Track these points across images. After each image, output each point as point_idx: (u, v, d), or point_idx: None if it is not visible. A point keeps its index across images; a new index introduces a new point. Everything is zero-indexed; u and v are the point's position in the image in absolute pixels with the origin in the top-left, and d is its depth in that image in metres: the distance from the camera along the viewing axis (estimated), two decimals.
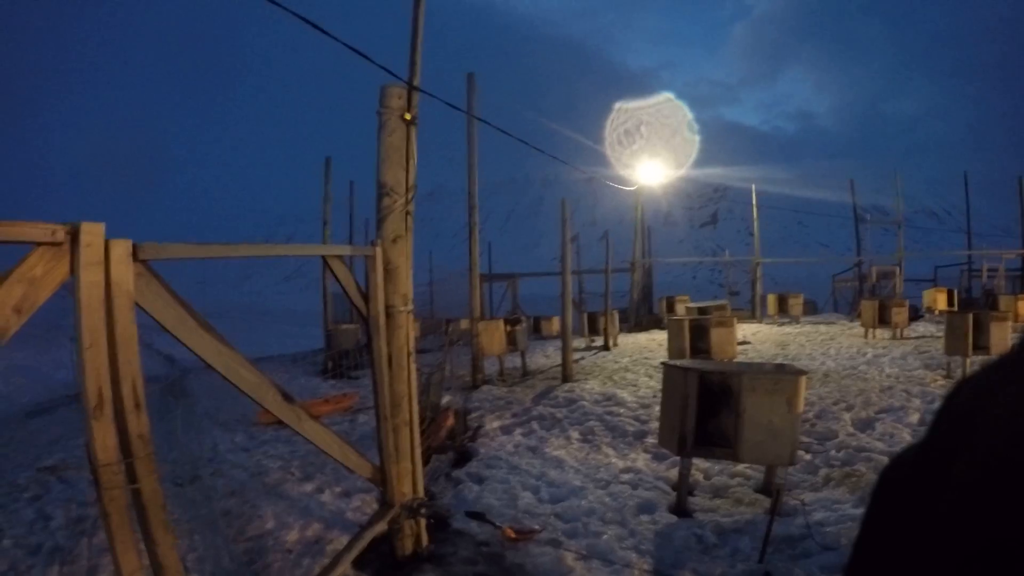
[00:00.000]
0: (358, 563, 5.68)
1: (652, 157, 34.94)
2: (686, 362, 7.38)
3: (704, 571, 5.69)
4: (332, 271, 5.22)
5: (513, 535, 6.27)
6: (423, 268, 39.39)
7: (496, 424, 10.88)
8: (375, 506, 6.77)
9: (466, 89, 15.65)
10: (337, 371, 18.48)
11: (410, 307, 5.92)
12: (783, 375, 6.48)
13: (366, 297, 5.64)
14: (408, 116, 5.76)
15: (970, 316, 14.18)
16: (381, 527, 5.74)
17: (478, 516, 6.79)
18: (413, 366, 5.98)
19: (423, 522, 5.99)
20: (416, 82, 5.86)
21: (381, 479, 5.84)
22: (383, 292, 5.69)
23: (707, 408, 6.57)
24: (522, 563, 5.75)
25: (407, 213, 5.84)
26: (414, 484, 6.05)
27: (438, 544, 6.13)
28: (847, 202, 41.74)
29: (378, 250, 5.69)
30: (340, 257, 5.28)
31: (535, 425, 10.68)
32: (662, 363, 7.54)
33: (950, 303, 27.38)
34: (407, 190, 5.79)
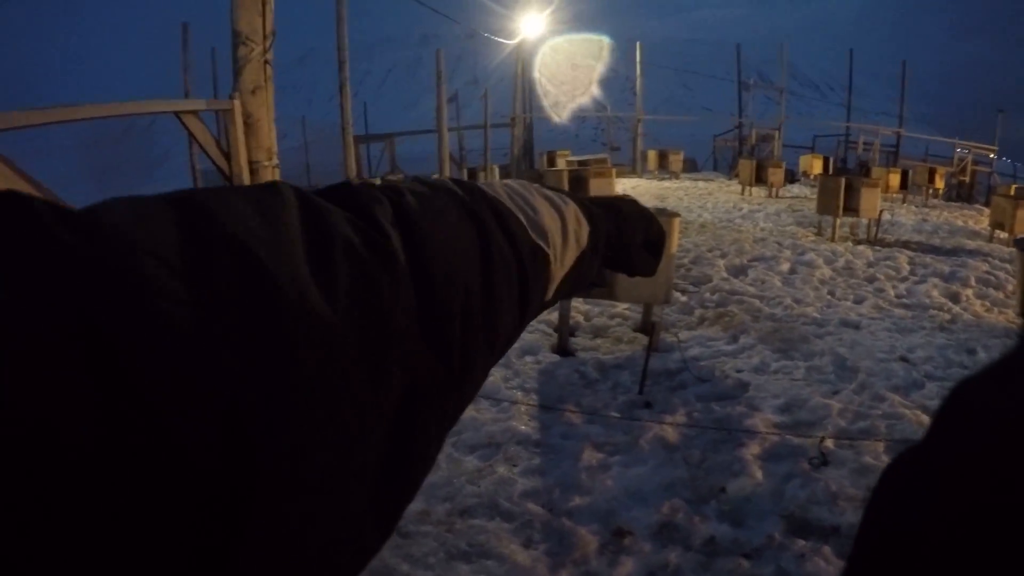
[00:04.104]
0: None
1: (536, 10, 33.87)
2: None
3: (587, 404, 6.02)
4: (188, 129, 4.95)
5: None
6: (296, 132, 37.78)
7: None
8: None
9: None
10: None
11: (275, 162, 5.68)
12: (659, 216, 6.70)
13: (227, 155, 5.38)
14: None
15: (842, 179, 15.02)
16: None
17: None
18: None
19: None
20: None
21: None
22: (245, 147, 5.41)
23: None
24: None
25: (266, 62, 5.49)
26: None
27: None
28: (733, 68, 42.87)
29: (236, 103, 5.36)
30: (195, 113, 5.01)
31: None
32: None
33: (825, 170, 28.46)
34: (265, 37, 5.44)
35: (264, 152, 5.52)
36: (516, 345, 7.18)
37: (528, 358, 7.04)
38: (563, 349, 7.22)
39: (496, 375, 6.58)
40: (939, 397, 6.32)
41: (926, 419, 6.00)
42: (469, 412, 5.83)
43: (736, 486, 4.84)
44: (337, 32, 14.82)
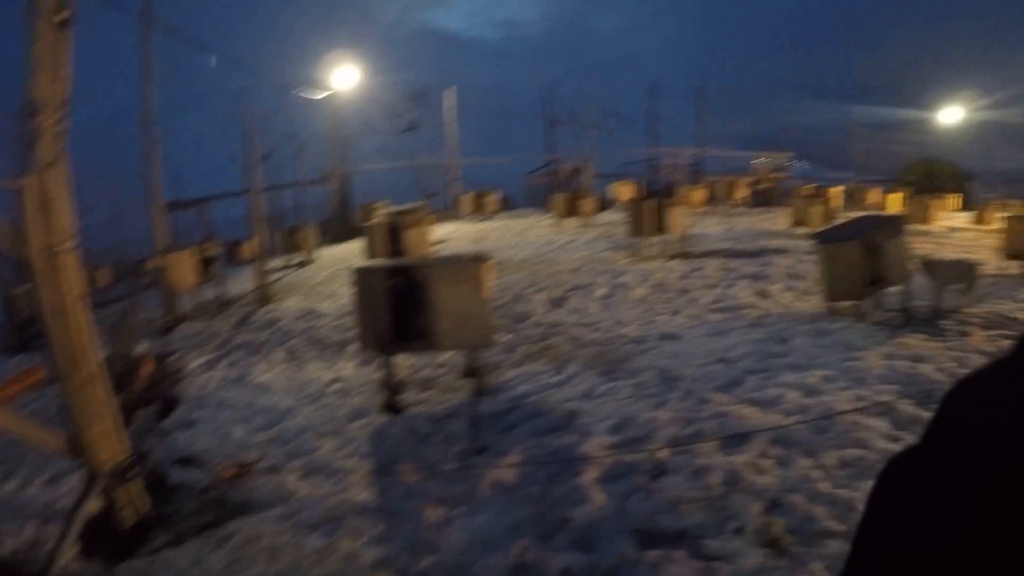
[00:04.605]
0: (84, 552, 5.10)
1: (348, 62, 33.46)
2: (374, 262, 7.51)
3: (423, 460, 5.93)
4: None
5: (231, 473, 6.11)
6: (104, 202, 35.53)
7: (199, 362, 10.37)
8: None
9: None
10: (23, 343, 16.36)
11: (74, 244, 5.28)
12: (467, 263, 6.75)
13: (20, 239, 4.96)
14: (59, 18, 4.95)
15: (650, 203, 16.16)
16: (94, 505, 5.18)
17: (188, 462, 6.51)
18: (87, 312, 5.34)
19: (138, 486, 5.52)
20: None
21: (77, 449, 5.20)
22: (40, 230, 5.00)
23: (403, 305, 6.69)
24: (247, 498, 5.64)
25: (60, 133, 5.11)
26: (117, 446, 5.43)
27: (161, 505, 5.71)
28: (550, 104, 45.47)
29: (29, 181, 4.97)
30: None
31: (238, 355, 10.36)
32: (354, 267, 7.55)
33: (635, 194, 29.85)
34: (60, 106, 5.06)
35: (61, 234, 5.03)
36: (344, 411, 7.06)
37: (358, 422, 6.91)
38: (392, 407, 7.10)
39: (327, 445, 6.41)
40: (760, 389, 6.63)
41: (750, 412, 6.29)
42: (304, 489, 5.64)
43: (581, 513, 4.87)
44: (143, 91, 14.15)
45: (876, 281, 9.84)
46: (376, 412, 7.07)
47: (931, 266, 11.20)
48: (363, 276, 6.92)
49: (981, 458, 0.57)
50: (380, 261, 9.06)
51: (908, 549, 0.62)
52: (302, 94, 28.29)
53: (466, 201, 32.80)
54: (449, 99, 38.12)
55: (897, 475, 0.72)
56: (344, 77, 32.38)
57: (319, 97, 30.06)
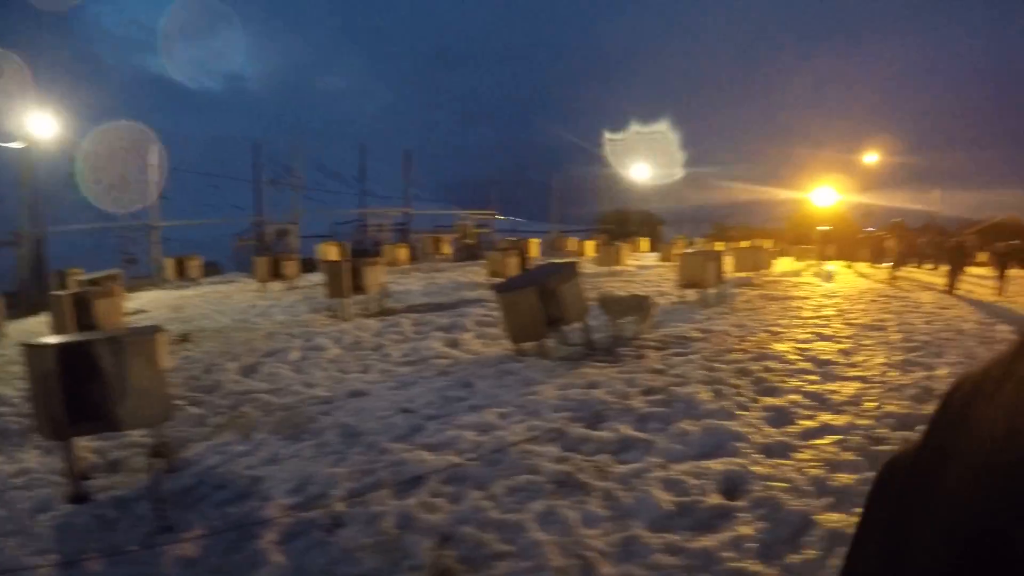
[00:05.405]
0: None
1: (42, 107, 29.50)
2: (48, 339, 7.27)
3: (109, 546, 5.93)
4: None
5: None
6: None
7: None
8: None
9: None
10: None
11: None
12: (138, 336, 6.74)
13: None
14: None
15: (347, 263, 17.03)
16: None
17: None
18: None
19: None
20: None
21: None
22: None
23: (78, 384, 6.49)
24: None
25: None
26: None
27: None
28: (261, 165, 45.12)
29: None
30: None
31: None
32: (21, 344, 7.24)
33: (342, 255, 30.29)
34: None
35: None
36: (28, 505, 6.86)
37: (42, 515, 6.67)
38: (78, 496, 6.95)
39: (10, 544, 6.18)
40: (438, 433, 7.35)
41: (426, 456, 6.97)
42: None
43: None
44: None
45: (554, 321, 11.06)
46: (62, 503, 6.88)
47: (605, 302, 12.71)
48: (33, 355, 6.64)
49: (980, 456, 0.58)
50: (55, 337, 8.66)
51: (906, 549, 0.63)
52: None
53: (169, 266, 31.57)
54: (153, 156, 36.53)
55: (895, 475, 0.72)
56: (41, 125, 29.22)
57: (12, 147, 27.27)
